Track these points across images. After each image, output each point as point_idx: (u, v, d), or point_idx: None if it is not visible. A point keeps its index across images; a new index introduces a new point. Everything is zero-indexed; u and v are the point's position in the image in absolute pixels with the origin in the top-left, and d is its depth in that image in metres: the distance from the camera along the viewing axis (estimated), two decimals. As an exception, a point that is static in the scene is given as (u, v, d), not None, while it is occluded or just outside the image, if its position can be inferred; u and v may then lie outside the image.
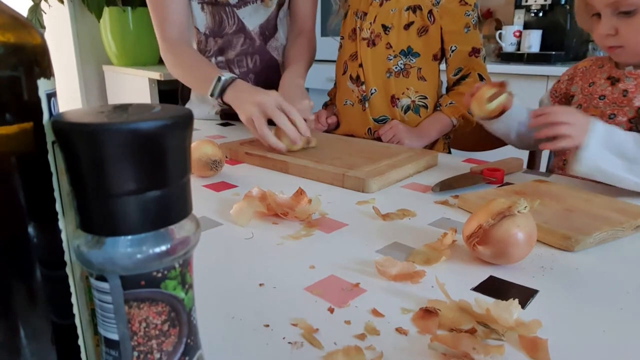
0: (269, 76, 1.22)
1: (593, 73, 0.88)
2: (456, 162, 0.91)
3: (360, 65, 1.09)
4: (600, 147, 0.67)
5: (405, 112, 1.07)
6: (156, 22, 1.10)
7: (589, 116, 0.71)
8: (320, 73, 2.28)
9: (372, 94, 1.08)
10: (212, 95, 0.97)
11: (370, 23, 1.07)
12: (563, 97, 0.93)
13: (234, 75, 0.97)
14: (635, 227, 0.57)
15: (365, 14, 1.08)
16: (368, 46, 1.08)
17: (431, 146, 1.11)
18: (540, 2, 2.17)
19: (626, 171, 0.67)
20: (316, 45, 1.24)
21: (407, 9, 1.04)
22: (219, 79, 0.96)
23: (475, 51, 1.06)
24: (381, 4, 1.06)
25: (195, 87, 1.06)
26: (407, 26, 1.04)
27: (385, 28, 1.05)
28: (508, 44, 2.25)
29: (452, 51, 1.06)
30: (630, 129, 0.78)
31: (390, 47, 1.05)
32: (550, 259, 0.51)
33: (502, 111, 0.79)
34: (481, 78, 1.05)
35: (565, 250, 0.52)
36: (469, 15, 1.04)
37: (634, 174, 0.67)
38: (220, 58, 1.20)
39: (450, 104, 1.05)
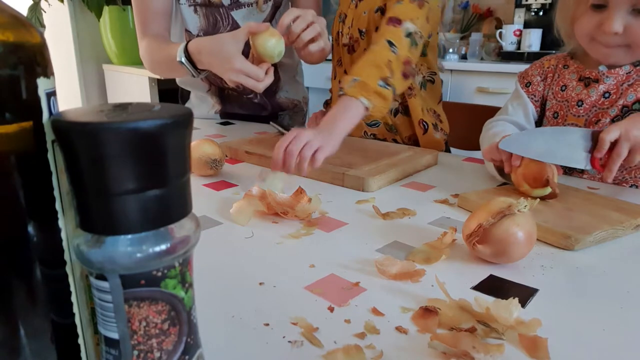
0: None
1: (562, 74, 0.84)
2: (456, 161, 0.91)
3: (345, 72, 1.06)
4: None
5: (394, 115, 1.05)
6: (139, 22, 1.10)
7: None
8: (320, 72, 2.28)
9: None
10: (179, 60, 0.93)
11: (349, 27, 1.02)
12: (541, 100, 0.88)
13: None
14: (635, 226, 0.57)
15: (346, 16, 1.04)
16: (349, 52, 1.04)
17: (427, 145, 1.09)
18: (540, 1, 2.17)
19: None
20: None
21: (377, 10, 0.95)
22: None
23: (395, 21, 0.85)
24: (356, 6, 1.01)
25: (169, 64, 0.99)
26: (378, 29, 0.95)
27: (361, 33, 0.99)
28: (508, 43, 2.25)
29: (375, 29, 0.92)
30: None
31: None
32: (550, 258, 0.51)
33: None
34: (390, 44, 0.83)
35: (565, 249, 0.52)
36: None
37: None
38: None
39: (354, 81, 0.78)
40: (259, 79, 0.84)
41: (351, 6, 1.02)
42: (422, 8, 0.88)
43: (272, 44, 0.83)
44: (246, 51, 0.86)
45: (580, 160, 0.64)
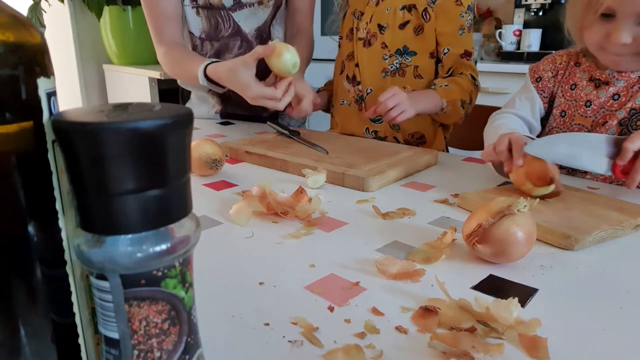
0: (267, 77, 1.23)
1: (572, 72, 0.84)
2: (456, 161, 0.91)
3: (357, 65, 1.09)
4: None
5: None
6: (153, 29, 1.12)
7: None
8: (319, 72, 2.28)
9: (367, 93, 1.08)
10: (204, 84, 1.01)
11: (367, 23, 1.06)
12: (549, 96, 0.88)
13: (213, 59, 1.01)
14: (635, 226, 0.57)
15: (363, 13, 1.08)
16: (364, 46, 1.07)
17: (430, 144, 1.10)
18: (540, 1, 2.17)
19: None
20: (314, 44, 1.24)
21: (402, 8, 1.03)
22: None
23: (467, 54, 1.03)
24: (377, 4, 1.06)
25: (191, 79, 1.07)
26: (403, 25, 1.03)
27: (380, 27, 1.05)
28: (508, 43, 2.25)
29: (445, 54, 1.04)
30: (621, 132, 0.77)
31: (386, 46, 1.04)
32: (550, 257, 0.51)
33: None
34: (473, 79, 1.03)
35: (564, 249, 0.52)
36: (463, 16, 1.02)
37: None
38: None
39: (445, 86, 1.00)
40: (277, 99, 0.89)
41: (370, 4, 1.07)
42: (471, 31, 1.04)
43: (284, 60, 0.86)
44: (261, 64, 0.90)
45: (601, 166, 0.64)
